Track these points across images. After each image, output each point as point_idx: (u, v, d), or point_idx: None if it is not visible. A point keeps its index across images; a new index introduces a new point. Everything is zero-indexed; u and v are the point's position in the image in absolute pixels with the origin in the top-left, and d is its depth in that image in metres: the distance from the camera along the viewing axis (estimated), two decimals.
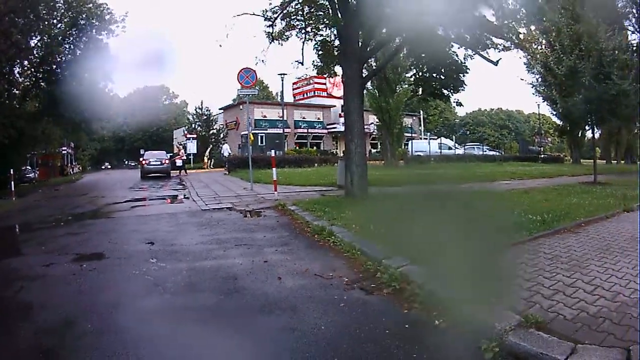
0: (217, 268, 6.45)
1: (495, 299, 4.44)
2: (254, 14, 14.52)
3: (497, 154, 48.34)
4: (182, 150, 37.65)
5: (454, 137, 58.33)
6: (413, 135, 53.43)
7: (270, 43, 14.74)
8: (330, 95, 55.10)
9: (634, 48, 28.90)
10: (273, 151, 16.47)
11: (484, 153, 47.33)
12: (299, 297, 5.16)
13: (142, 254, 7.34)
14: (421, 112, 61.02)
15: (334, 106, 53.01)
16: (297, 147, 48.35)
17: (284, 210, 11.80)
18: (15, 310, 5.00)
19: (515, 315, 4.10)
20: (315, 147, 50.18)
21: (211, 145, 44.38)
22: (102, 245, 8.26)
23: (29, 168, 37.99)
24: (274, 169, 14.96)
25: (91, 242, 8.73)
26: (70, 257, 7.28)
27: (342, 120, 47.86)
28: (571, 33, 17.48)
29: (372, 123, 47.44)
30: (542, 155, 50.76)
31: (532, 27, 13.97)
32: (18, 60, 25.32)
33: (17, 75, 26.91)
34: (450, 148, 47.38)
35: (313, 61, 15.56)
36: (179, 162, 33.66)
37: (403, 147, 43.00)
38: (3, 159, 24.06)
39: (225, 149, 36.87)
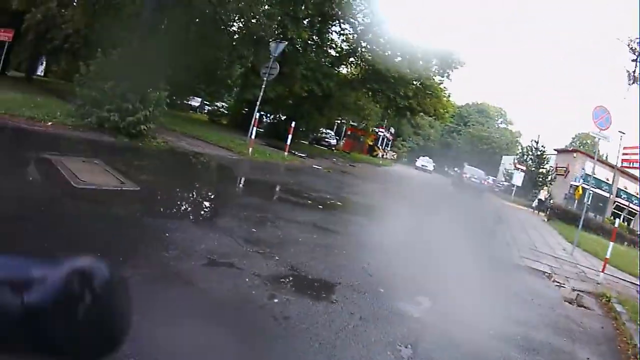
0: None
1: None
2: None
3: None
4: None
5: None
6: None
7: (631, 84, 12.08)
8: None
9: None
10: (617, 221, 12.16)
11: None
12: None
13: None
14: None
15: None
16: (612, 217, 40.88)
17: (608, 308, 8.06)
18: None
19: None
20: (626, 223, 41.78)
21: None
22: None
23: (331, 133, 38.57)
24: (611, 243, 10.85)
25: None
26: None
27: None
28: None
29: None
30: None
31: None
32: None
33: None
34: None
35: None
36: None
37: None
38: (300, 113, 24.62)
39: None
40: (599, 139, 14.41)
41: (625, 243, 27.43)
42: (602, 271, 10.32)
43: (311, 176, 14.74)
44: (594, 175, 41.44)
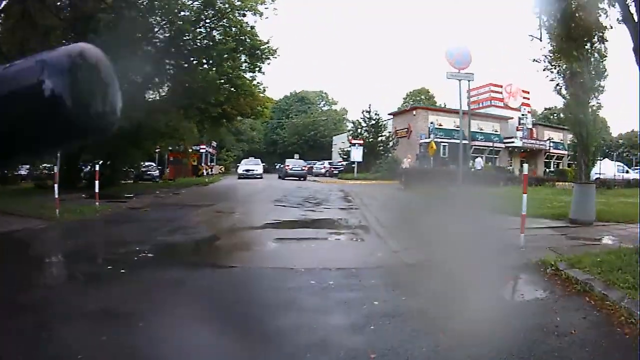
0: None
1: None
2: None
3: None
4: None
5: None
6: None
7: None
8: (506, 106, 49.10)
9: None
10: (526, 166, 9.62)
11: None
12: None
13: None
14: None
15: (511, 118, 48.19)
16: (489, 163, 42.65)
17: (564, 280, 5.77)
18: None
19: None
20: (490, 163, 43.46)
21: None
22: None
23: (153, 165, 36.29)
24: (524, 195, 8.56)
25: None
26: None
27: (519, 134, 45.56)
28: None
29: (548, 139, 47.10)
30: None
31: None
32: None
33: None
34: (627, 171, 38.96)
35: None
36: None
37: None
38: (115, 153, 23.05)
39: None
40: (461, 79, 12.63)
41: (502, 183, 27.03)
42: (522, 232, 8.21)
43: (123, 223, 12.17)
44: (441, 127, 42.23)
